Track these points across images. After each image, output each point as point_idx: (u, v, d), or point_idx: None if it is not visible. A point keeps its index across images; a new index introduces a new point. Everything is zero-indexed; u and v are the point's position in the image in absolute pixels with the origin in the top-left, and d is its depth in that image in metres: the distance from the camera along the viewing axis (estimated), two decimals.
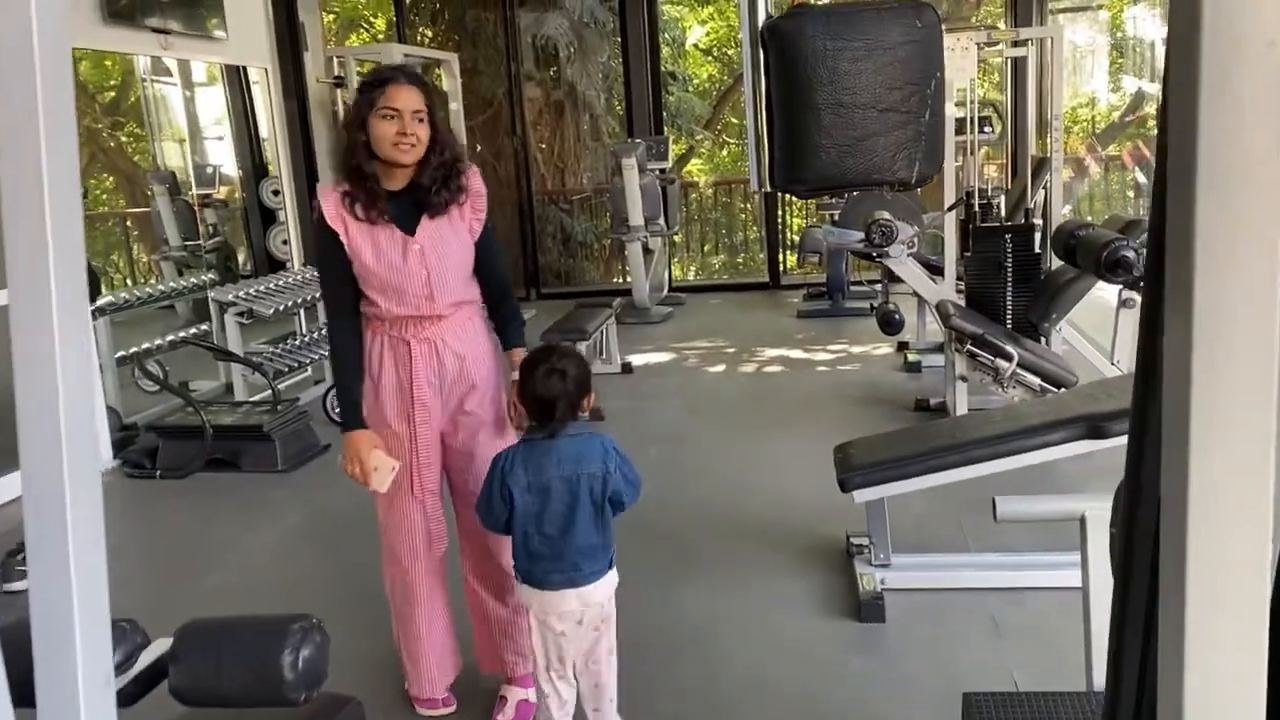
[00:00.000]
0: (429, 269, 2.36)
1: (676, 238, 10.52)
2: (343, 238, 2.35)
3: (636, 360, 6.84)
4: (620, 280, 11.74)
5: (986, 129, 7.09)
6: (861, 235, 4.82)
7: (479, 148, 10.57)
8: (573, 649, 2.29)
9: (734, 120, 15.67)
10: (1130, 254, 2.84)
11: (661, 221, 8.64)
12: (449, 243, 2.40)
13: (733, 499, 4.17)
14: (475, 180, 2.45)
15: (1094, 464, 3.22)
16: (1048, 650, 2.84)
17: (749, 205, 12.13)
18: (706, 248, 12.18)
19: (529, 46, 11.24)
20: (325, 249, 2.38)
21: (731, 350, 7.09)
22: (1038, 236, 4.90)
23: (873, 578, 3.18)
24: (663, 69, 10.79)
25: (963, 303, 4.99)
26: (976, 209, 5.25)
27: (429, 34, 11.87)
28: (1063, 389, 4.45)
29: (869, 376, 6.04)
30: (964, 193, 5.39)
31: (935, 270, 5.45)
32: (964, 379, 4.64)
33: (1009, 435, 3.04)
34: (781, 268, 9.77)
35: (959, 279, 5.12)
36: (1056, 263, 5.01)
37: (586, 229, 11.92)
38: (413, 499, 2.54)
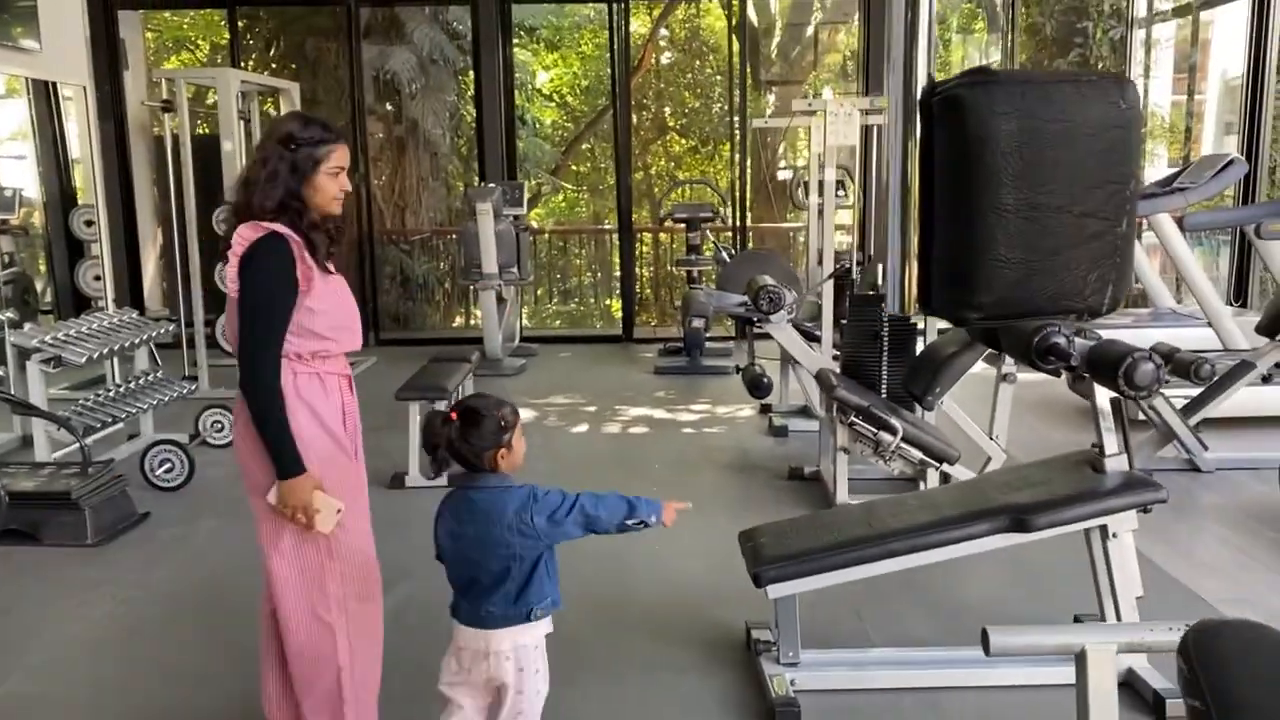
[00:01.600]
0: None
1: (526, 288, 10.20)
2: (302, 283, 2.31)
3: None
4: (464, 324, 11.31)
5: (840, 193, 7.14)
6: (742, 299, 4.64)
7: None
8: (473, 687, 2.26)
9: (578, 169, 15.54)
10: (1061, 340, 2.71)
11: (515, 269, 8.31)
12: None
13: (616, 583, 3.85)
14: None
15: (1002, 557, 3.09)
16: None
17: (584, 252, 11.98)
18: (554, 299, 11.91)
19: (372, 80, 10.76)
20: (284, 286, 2.29)
21: (592, 408, 6.80)
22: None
23: (783, 679, 2.92)
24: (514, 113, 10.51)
25: (838, 370, 4.89)
26: (854, 276, 5.20)
27: (262, 61, 11.21)
28: (944, 463, 4.39)
29: (737, 440, 5.86)
30: (844, 261, 5.34)
31: (809, 337, 5.34)
32: (846, 451, 4.50)
33: (929, 527, 2.87)
34: (634, 321, 9.60)
35: (835, 347, 5.02)
36: (932, 333, 4.99)
37: (427, 270, 11.46)
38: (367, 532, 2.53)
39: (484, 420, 2.17)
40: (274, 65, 11.15)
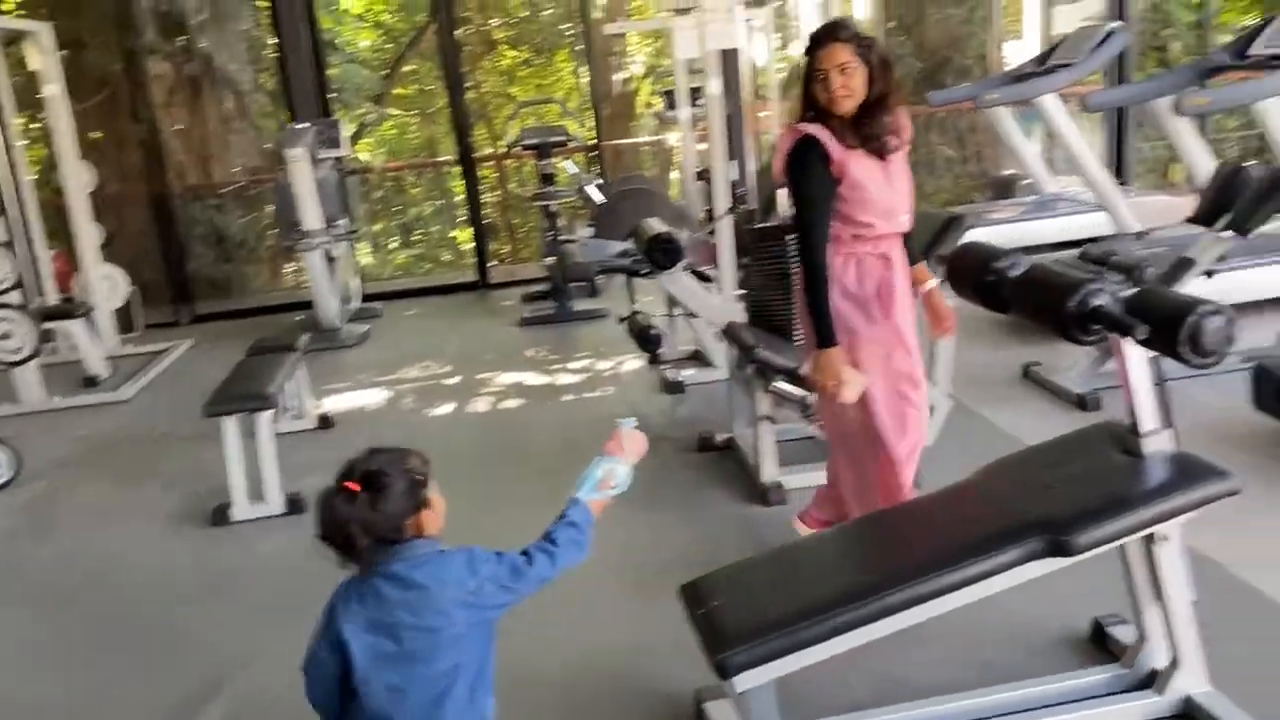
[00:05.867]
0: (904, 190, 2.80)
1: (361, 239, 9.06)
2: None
3: (335, 406, 5.46)
4: (296, 283, 10.06)
5: (700, 102, 6.28)
6: (625, 248, 3.79)
7: (91, 136, 8.47)
8: None
9: (405, 93, 14.19)
10: (1107, 300, 1.97)
11: (343, 221, 7.19)
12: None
13: (524, 635, 3.02)
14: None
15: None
16: None
17: (423, 185, 10.85)
18: (395, 244, 10.75)
19: (149, 14, 9.22)
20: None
21: (454, 381, 5.86)
22: None
23: None
24: (321, 37, 9.19)
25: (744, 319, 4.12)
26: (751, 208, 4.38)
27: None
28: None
29: (630, 405, 5.04)
30: (739, 191, 4.51)
31: (701, 278, 4.54)
32: (770, 419, 3.76)
33: (939, 565, 2.12)
34: (490, 262, 8.59)
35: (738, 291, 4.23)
36: None
37: (244, 226, 10.12)
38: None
39: (393, 482, 1.75)
40: (25, 4, 9.43)
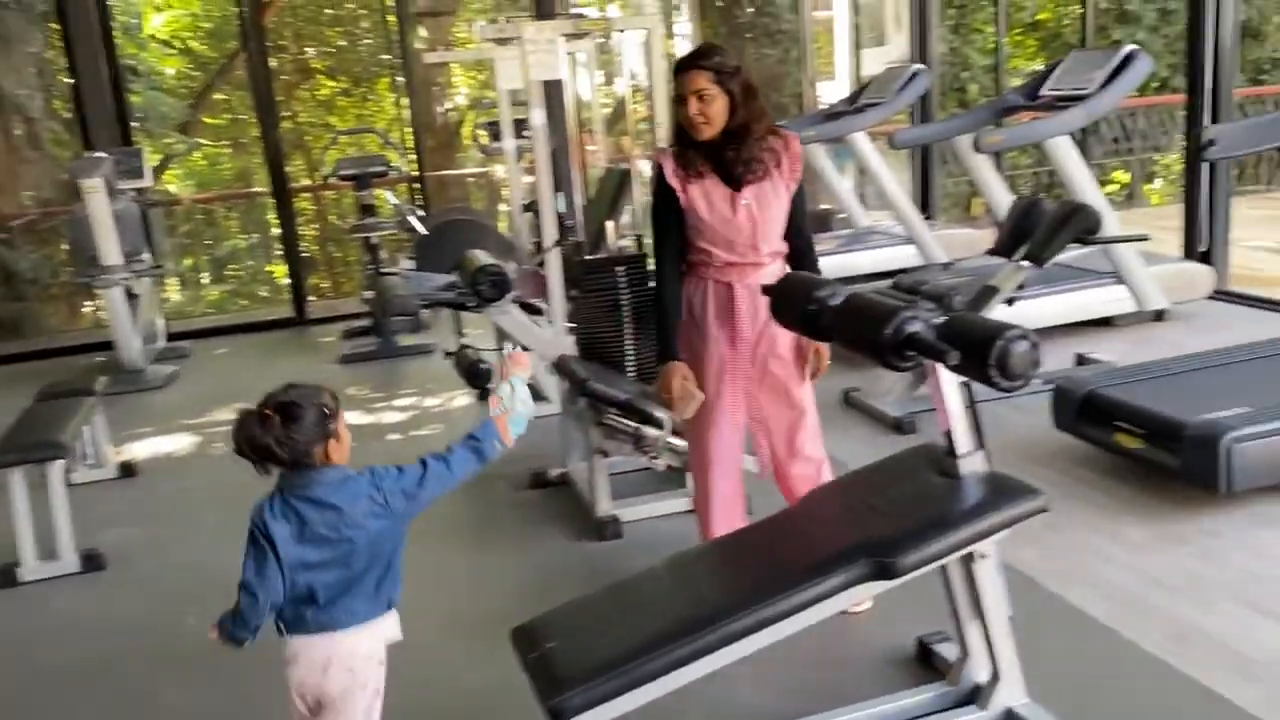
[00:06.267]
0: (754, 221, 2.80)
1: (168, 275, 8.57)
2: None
3: (139, 453, 5.10)
4: (95, 323, 9.40)
5: (527, 134, 6.25)
6: (451, 280, 3.70)
7: None
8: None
9: (215, 122, 13.59)
10: (920, 327, 2.02)
11: (146, 255, 6.77)
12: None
13: None
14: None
15: None
16: None
17: (236, 218, 10.37)
18: (207, 279, 10.22)
19: None
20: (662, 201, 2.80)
21: None
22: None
23: None
24: (121, 63, 8.68)
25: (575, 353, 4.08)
26: (581, 239, 4.34)
27: None
28: None
29: None
30: (568, 223, 4.47)
31: (529, 310, 4.47)
32: (604, 453, 3.73)
33: (771, 592, 2.12)
34: (308, 297, 8.26)
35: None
36: None
37: (36, 262, 9.41)
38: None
39: (305, 412, 2.02)
40: None
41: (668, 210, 2.84)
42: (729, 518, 3.08)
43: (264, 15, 8.86)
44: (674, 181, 2.81)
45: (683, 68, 2.77)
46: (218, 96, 13.32)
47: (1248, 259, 7.25)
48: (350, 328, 7.28)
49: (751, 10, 11.26)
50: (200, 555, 3.92)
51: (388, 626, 2.14)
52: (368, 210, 7.13)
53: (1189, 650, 2.70)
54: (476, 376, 4.95)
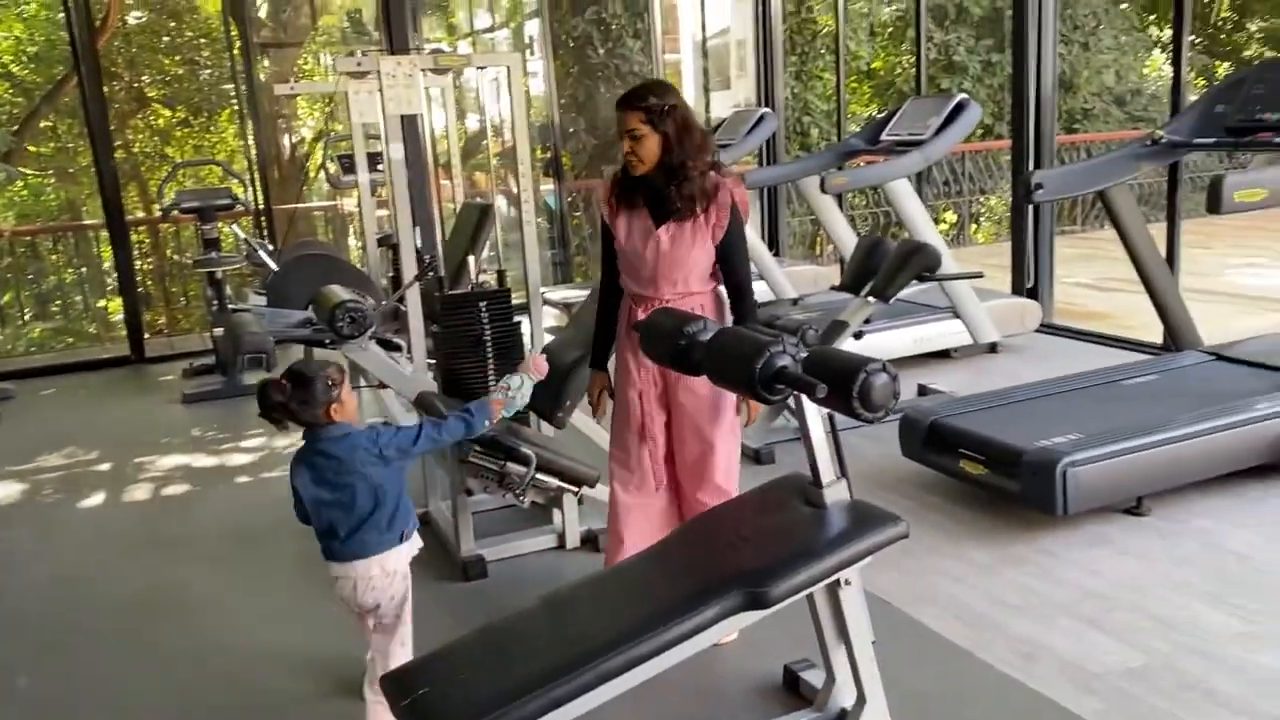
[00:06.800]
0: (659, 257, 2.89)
1: None
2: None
3: None
4: None
5: (379, 169, 6.16)
6: (306, 317, 3.59)
7: None
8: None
9: (40, 151, 12.83)
10: (788, 362, 2.09)
11: None
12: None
13: None
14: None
15: None
16: None
17: (64, 250, 9.79)
18: (29, 316, 9.60)
19: None
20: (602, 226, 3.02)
21: (105, 467, 5.26)
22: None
23: None
24: None
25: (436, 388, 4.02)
26: (442, 273, 4.27)
27: None
28: (583, 487, 3.73)
29: None
30: (428, 256, 4.40)
31: (388, 346, 4.39)
32: (469, 492, 3.68)
33: (647, 627, 2.13)
34: (145, 334, 7.85)
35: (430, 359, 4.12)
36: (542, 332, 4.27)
37: None
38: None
39: (313, 382, 2.46)
40: None
41: (605, 233, 3.06)
42: (629, 529, 3.10)
43: (98, 40, 8.44)
44: (604, 208, 3.00)
45: (618, 105, 2.88)
46: (43, 124, 12.58)
47: (1069, 294, 7.77)
48: (192, 366, 6.97)
49: (604, 51, 11.46)
50: (28, 607, 3.66)
51: (404, 551, 2.62)
52: (211, 244, 6.86)
53: (1035, 667, 2.85)
54: None
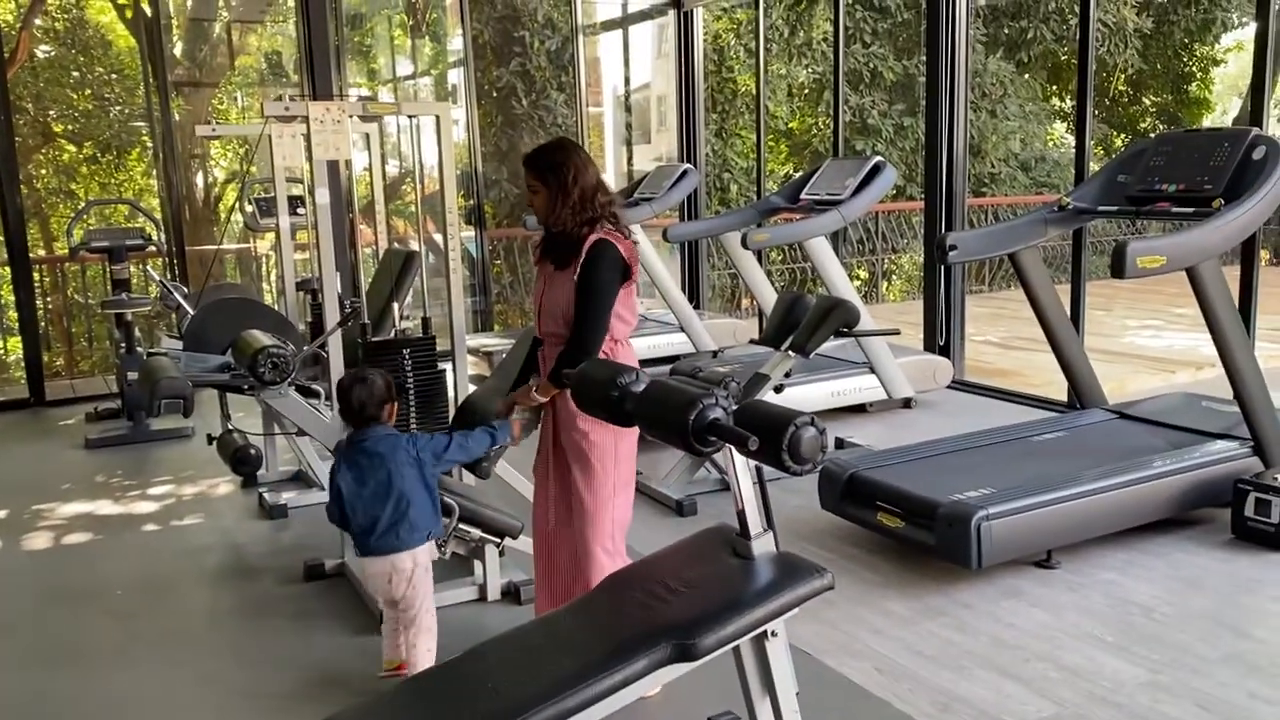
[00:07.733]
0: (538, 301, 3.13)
1: None
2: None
3: None
4: None
5: (300, 211, 6.10)
6: (225, 362, 3.52)
7: None
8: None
9: None
10: (721, 414, 2.13)
11: None
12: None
13: None
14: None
15: None
16: None
17: None
18: None
19: None
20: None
21: (2, 514, 5.03)
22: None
23: None
24: None
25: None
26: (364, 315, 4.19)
27: None
28: (505, 538, 3.71)
29: (223, 533, 4.61)
30: (350, 302, 4.34)
31: (306, 393, 4.31)
32: None
33: (573, 681, 2.12)
34: (44, 373, 7.57)
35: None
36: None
37: None
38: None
39: (377, 381, 3.01)
40: None
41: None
42: (543, 577, 3.24)
43: (6, 72, 8.21)
44: (534, 254, 3.22)
45: (522, 162, 3.14)
46: None
47: (978, 352, 8.02)
48: (96, 409, 6.74)
49: (528, 103, 11.56)
50: None
51: (429, 549, 3.02)
52: (121, 285, 6.67)
53: (952, 718, 2.90)
54: (243, 462, 4.72)
